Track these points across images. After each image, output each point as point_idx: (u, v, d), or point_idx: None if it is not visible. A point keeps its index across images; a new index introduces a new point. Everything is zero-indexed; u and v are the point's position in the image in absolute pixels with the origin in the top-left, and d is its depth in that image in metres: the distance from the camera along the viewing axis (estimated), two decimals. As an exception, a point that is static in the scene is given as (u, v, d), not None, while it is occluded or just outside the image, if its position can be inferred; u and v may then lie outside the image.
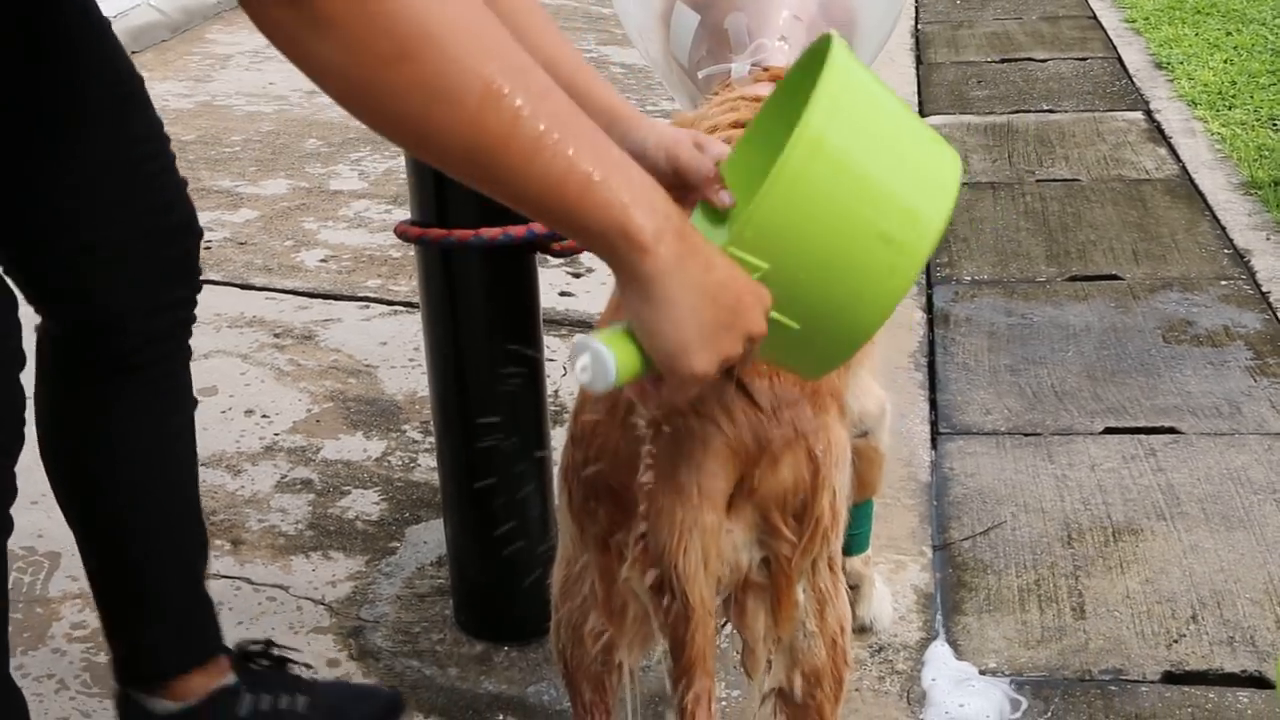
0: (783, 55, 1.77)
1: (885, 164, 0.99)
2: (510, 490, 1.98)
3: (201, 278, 1.58)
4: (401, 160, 4.29)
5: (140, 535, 1.60)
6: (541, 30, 1.23)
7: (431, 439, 2.65)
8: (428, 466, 2.56)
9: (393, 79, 0.79)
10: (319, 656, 2.02)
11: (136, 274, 1.48)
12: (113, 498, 1.57)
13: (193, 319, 1.58)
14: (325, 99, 0.84)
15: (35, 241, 1.44)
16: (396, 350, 3.04)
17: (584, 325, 3.05)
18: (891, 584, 2.17)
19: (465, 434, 1.95)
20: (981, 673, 1.98)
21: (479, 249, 1.77)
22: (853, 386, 1.76)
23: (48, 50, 1.37)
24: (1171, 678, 1.95)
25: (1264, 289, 3.24)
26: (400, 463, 2.60)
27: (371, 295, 3.34)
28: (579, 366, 0.96)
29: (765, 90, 1.62)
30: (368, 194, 4.04)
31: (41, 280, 1.47)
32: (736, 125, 1.73)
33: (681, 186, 1.19)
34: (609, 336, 0.96)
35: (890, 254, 0.98)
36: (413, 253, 3.49)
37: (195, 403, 1.63)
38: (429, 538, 2.34)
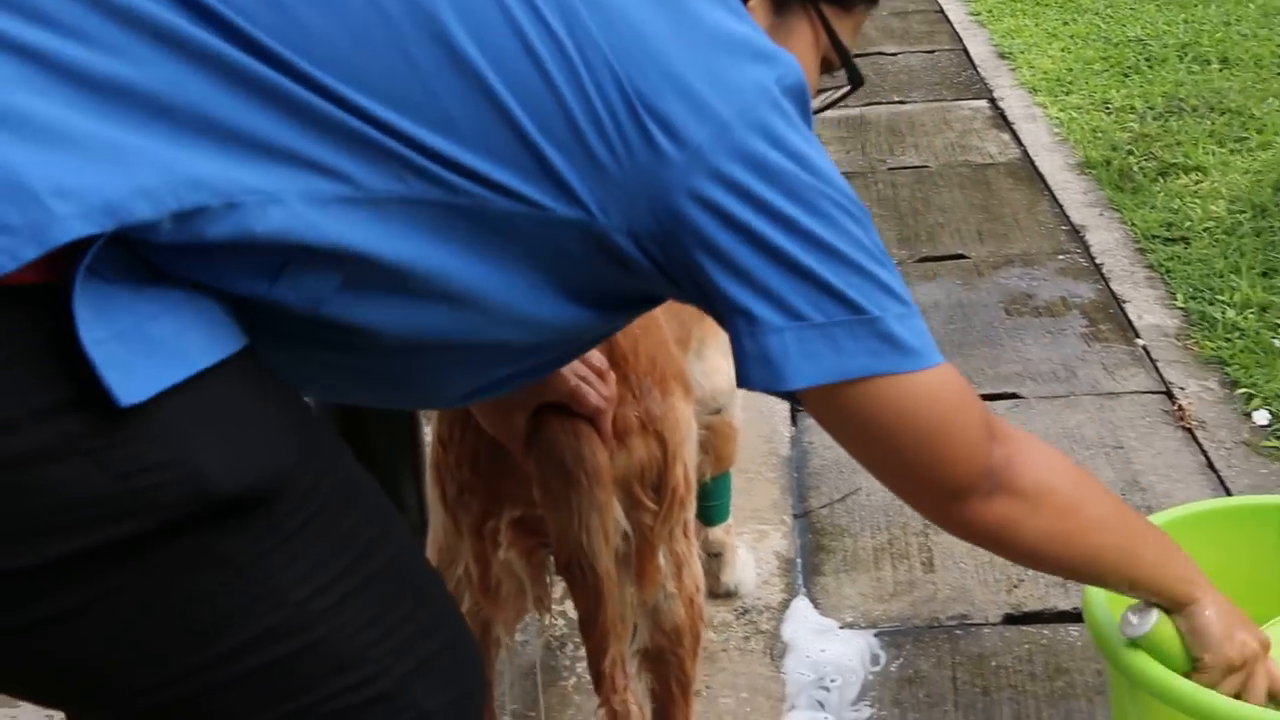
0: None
1: None
2: (391, 487, 2.08)
3: None
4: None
5: None
6: None
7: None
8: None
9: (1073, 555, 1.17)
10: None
11: None
12: None
13: None
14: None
15: None
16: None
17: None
18: (755, 552, 2.31)
19: (343, 431, 2.04)
20: (841, 627, 2.12)
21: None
22: (703, 366, 1.89)
23: None
24: (1011, 619, 2.11)
25: (1097, 261, 3.46)
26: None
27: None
28: (1135, 615, 1.28)
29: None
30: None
31: None
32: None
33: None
34: (1161, 618, 1.27)
35: None
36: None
37: None
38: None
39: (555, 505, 1.36)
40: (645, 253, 0.99)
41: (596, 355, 1.39)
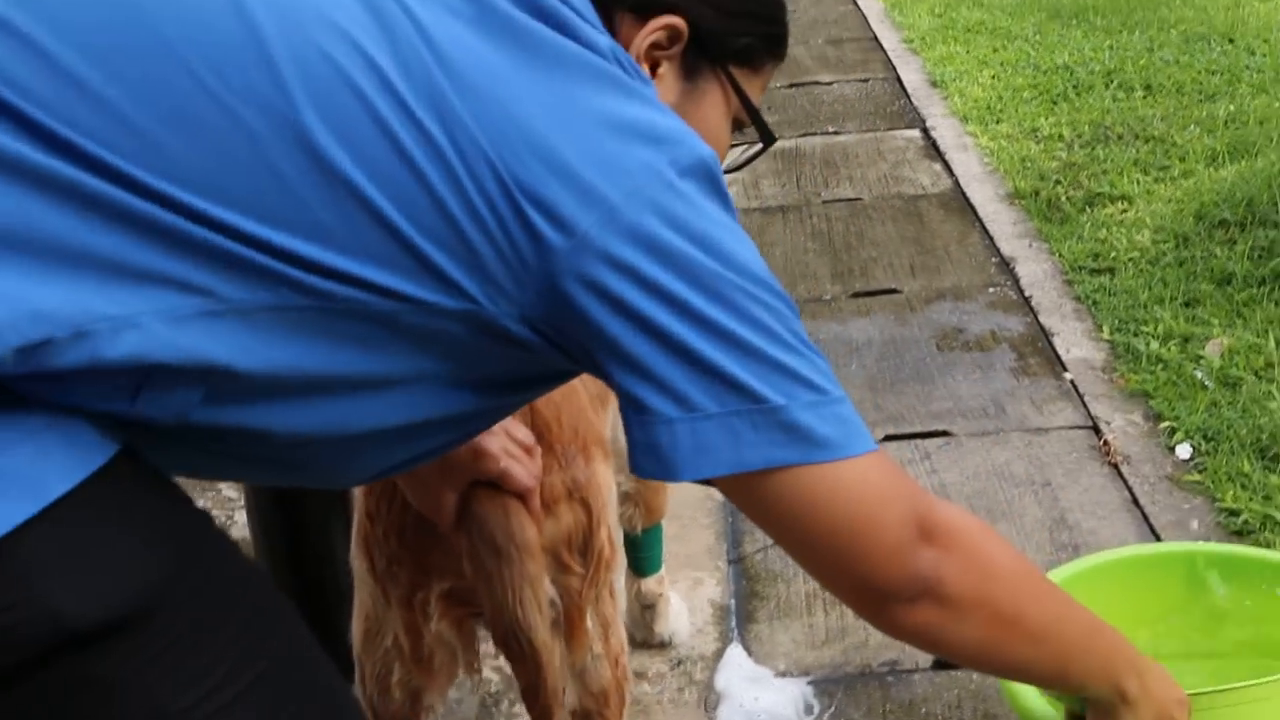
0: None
1: None
2: (320, 539, 2.07)
3: None
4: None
5: None
6: None
7: (247, 496, 2.72)
8: (243, 523, 2.62)
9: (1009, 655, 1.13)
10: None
11: None
12: None
13: None
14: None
15: None
16: (209, 410, 3.09)
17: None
18: (690, 600, 2.33)
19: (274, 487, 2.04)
20: (775, 676, 2.15)
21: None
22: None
23: None
24: (940, 664, 2.14)
25: (1026, 293, 3.51)
26: (217, 521, 2.66)
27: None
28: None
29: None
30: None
31: None
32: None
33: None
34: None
35: None
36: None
37: None
38: (249, 593, 2.41)
39: (489, 581, 1.38)
40: (541, 335, 0.96)
41: (524, 431, 1.41)
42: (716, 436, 0.95)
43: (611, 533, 1.56)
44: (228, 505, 2.71)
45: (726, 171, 1.14)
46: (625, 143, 0.94)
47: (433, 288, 0.92)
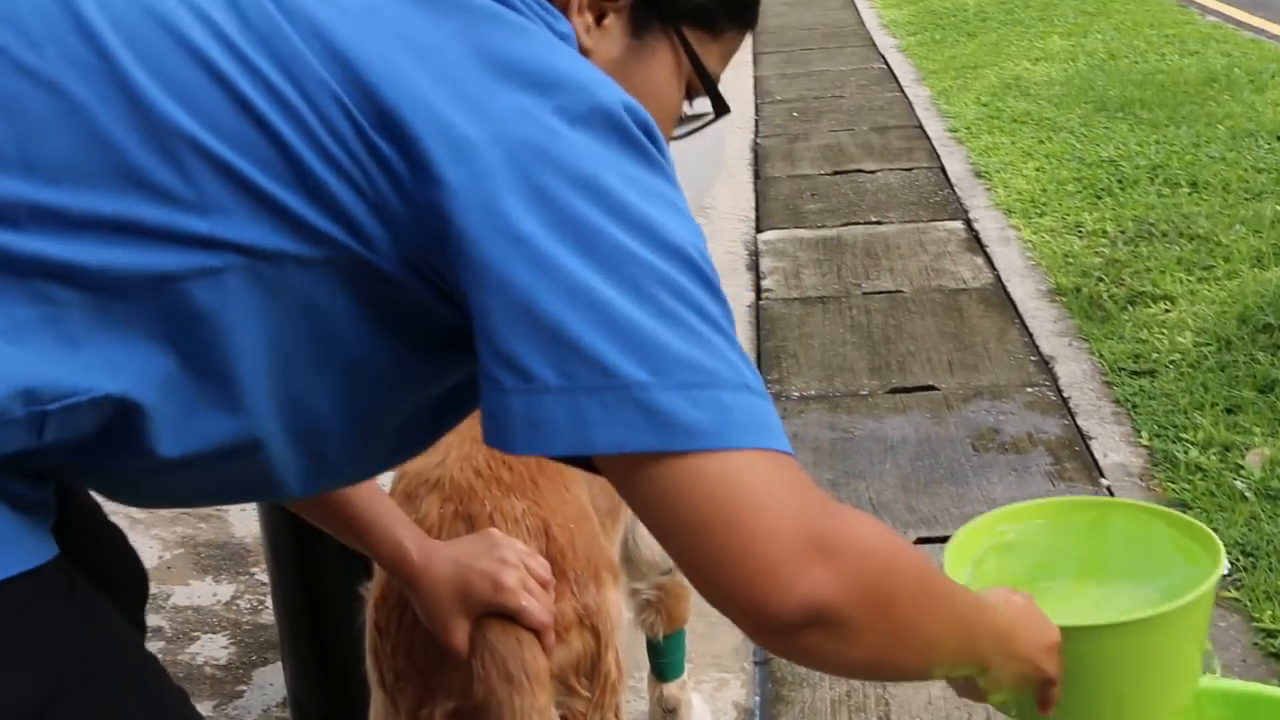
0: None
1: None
2: (344, 625, 2.09)
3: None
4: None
5: None
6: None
7: (278, 581, 2.74)
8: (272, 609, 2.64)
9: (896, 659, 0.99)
10: (163, 809, 2.09)
11: None
12: None
13: None
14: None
15: None
16: (245, 491, 3.12)
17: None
18: (714, 702, 2.32)
19: (299, 569, 2.06)
20: (796, 784, 2.13)
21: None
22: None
23: None
24: (965, 779, 2.12)
25: (1065, 394, 3.50)
26: (249, 605, 2.69)
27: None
28: None
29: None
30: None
31: None
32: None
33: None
34: None
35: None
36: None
37: None
38: (275, 679, 2.43)
39: (499, 708, 1.40)
40: (425, 279, 0.90)
41: (540, 562, 1.42)
42: (556, 413, 0.83)
43: (619, 655, 1.58)
44: (259, 589, 2.73)
45: (670, 139, 1.08)
46: (497, 81, 0.88)
47: (293, 237, 0.88)
